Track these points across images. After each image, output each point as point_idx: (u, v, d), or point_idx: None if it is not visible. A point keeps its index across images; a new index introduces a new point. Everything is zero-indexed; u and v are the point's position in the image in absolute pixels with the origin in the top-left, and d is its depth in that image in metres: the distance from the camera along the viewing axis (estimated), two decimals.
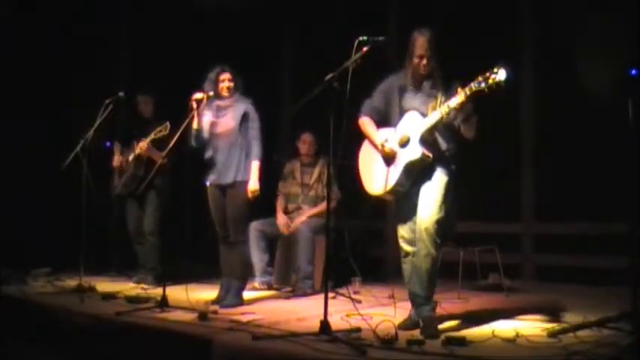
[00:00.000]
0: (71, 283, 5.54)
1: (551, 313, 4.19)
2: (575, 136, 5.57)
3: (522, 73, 6.09)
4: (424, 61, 3.77)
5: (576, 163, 5.57)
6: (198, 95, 4.62)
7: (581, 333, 3.51)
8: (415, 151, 3.71)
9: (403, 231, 3.92)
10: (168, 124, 5.48)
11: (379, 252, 6.78)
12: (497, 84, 3.40)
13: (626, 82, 3.72)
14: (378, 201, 4.05)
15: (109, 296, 5.02)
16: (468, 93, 3.49)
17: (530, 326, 3.84)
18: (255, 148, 4.68)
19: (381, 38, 3.69)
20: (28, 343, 4.56)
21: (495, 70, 3.42)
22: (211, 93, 4.68)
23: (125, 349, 3.99)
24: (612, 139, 4.52)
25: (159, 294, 4.52)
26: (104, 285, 5.63)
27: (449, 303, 4.50)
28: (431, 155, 3.71)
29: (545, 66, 5.93)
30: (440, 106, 3.65)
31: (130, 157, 5.85)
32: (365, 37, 3.67)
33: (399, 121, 3.86)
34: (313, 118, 4.64)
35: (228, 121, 4.68)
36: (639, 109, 3.67)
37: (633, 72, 3.69)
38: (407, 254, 3.92)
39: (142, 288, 5.56)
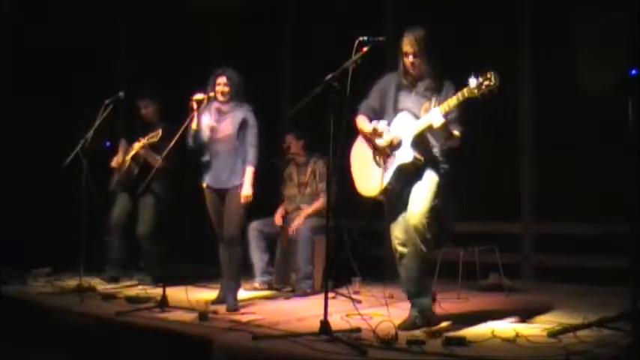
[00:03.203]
0: (71, 283, 5.54)
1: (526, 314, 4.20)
2: (575, 136, 5.57)
3: (522, 73, 6.08)
4: (410, 59, 3.81)
5: (576, 163, 5.57)
6: (198, 96, 4.62)
7: (581, 333, 3.51)
8: (407, 155, 3.76)
9: (397, 231, 3.95)
10: (160, 130, 5.47)
11: (379, 252, 6.77)
12: (490, 91, 3.43)
13: (626, 82, 3.72)
14: (371, 201, 4.05)
15: (109, 296, 5.03)
16: (461, 99, 3.53)
17: (530, 326, 3.84)
18: (251, 155, 4.65)
19: (381, 38, 3.70)
20: (28, 343, 4.56)
21: (489, 76, 3.43)
22: (212, 94, 4.68)
23: (125, 349, 3.99)
24: (612, 139, 4.52)
25: (159, 294, 4.52)
26: (104, 285, 5.63)
27: (449, 303, 4.51)
28: (422, 158, 3.77)
29: (545, 66, 5.93)
30: (433, 107, 3.67)
31: (128, 156, 5.85)
32: (365, 37, 3.68)
33: (392, 120, 3.89)
34: (314, 119, 4.64)
35: (227, 128, 4.67)
36: (639, 109, 3.68)
37: (633, 72, 3.70)
38: (402, 256, 3.94)
39: (142, 288, 5.56)
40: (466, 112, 3.74)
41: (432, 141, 3.83)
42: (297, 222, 5.57)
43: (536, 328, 3.74)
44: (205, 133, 4.68)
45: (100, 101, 5.37)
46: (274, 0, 7.76)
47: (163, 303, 4.43)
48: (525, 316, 4.19)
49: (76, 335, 4.30)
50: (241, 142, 4.68)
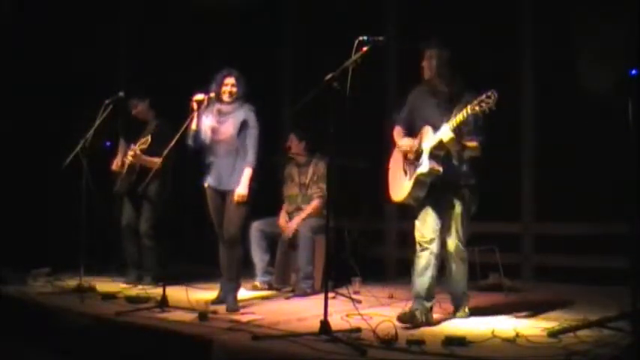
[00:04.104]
0: (71, 283, 5.53)
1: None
2: (575, 136, 5.57)
3: (522, 73, 6.08)
4: (424, 63, 4.12)
5: (576, 163, 5.57)
6: (199, 96, 4.60)
7: (581, 333, 3.51)
8: (424, 166, 3.99)
9: (424, 230, 4.11)
10: (149, 137, 5.48)
11: (379, 252, 6.78)
12: (490, 109, 3.67)
13: (626, 82, 3.72)
14: (402, 205, 4.32)
15: (109, 296, 5.02)
16: (465, 115, 3.77)
17: (530, 326, 3.84)
18: (250, 155, 4.62)
19: (381, 38, 3.71)
20: (28, 343, 4.56)
21: (489, 94, 3.66)
22: (212, 94, 4.65)
23: (125, 349, 3.99)
24: (612, 139, 4.52)
25: (159, 294, 4.52)
26: (104, 285, 5.63)
27: (449, 303, 4.50)
28: (440, 169, 3.98)
29: (545, 66, 5.93)
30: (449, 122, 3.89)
31: (126, 160, 5.84)
32: (365, 37, 3.69)
33: (419, 131, 4.13)
34: (314, 119, 4.65)
35: (228, 129, 4.64)
36: (639, 109, 3.68)
37: (633, 72, 3.70)
38: (424, 249, 4.09)
39: (142, 288, 5.55)
40: (485, 121, 3.94)
41: (455, 154, 4.05)
42: (295, 223, 5.58)
43: (536, 328, 3.75)
44: (206, 134, 4.66)
45: (100, 101, 5.37)
46: (274, 0, 7.76)
47: (163, 303, 4.43)
48: (525, 315, 4.20)
49: (76, 335, 4.29)
50: (242, 143, 4.66)
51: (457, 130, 3.86)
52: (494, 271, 5.34)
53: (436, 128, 3.97)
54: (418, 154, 4.06)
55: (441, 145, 3.93)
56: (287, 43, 7.82)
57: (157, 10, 7.81)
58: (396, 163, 4.31)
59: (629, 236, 3.78)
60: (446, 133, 3.86)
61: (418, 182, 4.04)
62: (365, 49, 3.67)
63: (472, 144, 4.00)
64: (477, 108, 3.68)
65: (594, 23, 5.45)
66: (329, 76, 3.62)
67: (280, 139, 6.19)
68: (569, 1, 5.79)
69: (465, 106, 3.76)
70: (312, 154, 5.85)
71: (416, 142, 4.11)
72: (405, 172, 4.17)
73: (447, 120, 3.89)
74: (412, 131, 4.24)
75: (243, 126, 4.65)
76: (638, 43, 4.70)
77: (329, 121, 3.62)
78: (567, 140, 5.66)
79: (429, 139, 4.00)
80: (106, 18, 7.77)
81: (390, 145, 4.34)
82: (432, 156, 3.97)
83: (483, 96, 3.67)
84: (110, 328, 4.12)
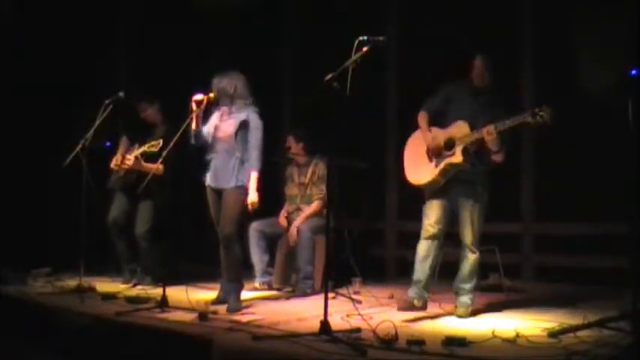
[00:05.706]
0: (71, 283, 5.53)
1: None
2: (575, 136, 5.56)
3: (522, 73, 6.08)
4: (474, 63, 4.36)
5: (576, 163, 5.57)
6: (198, 96, 4.59)
7: (581, 333, 3.52)
8: (456, 157, 4.21)
9: (428, 218, 4.37)
10: (161, 141, 5.45)
11: (379, 252, 6.78)
12: (545, 122, 3.91)
13: (626, 82, 3.72)
14: (416, 188, 4.48)
15: (109, 296, 5.02)
16: (516, 122, 3.99)
17: (530, 326, 3.84)
18: (254, 159, 4.61)
19: (381, 38, 3.71)
20: (28, 343, 4.56)
21: (545, 109, 3.90)
22: (212, 95, 4.65)
23: (125, 349, 3.99)
24: (612, 139, 4.52)
25: (159, 294, 4.52)
26: (104, 285, 5.63)
27: (449, 303, 4.50)
28: (468, 164, 4.22)
29: (545, 66, 5.93)
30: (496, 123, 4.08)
31: (127, 162, 5.80)
32: (365, 37, 3.69)
33: (451, 123, 4.32)
34: (313, 119, 4.65)
35: (228, 127, 4.64)
36: (639, 109, 3.68)
37: (633, 72, 3.70)
38: (429, 237, 4.33)
39: (142, 288, 5.55)
40: (515, 133, 4.19)
41: (482, 154, 4.22)
42: (297, 223, 5.58)
43: (536, 328, 3.75)
44: (210, 131, 4.67)
45: (100, 101, 5.37)
46: (274, 0, 7.76)
47: (163, 303, 4.43)
48: (525, 316, 4.20)
49: (76, 335, 4.29)
50: (240, 142, 4.65)
51: (500, 132, 4.04)
52: (494, 271, 5.35)
53: (471, 125, 4.18)
54: (450, 144, 4.22)
55: (478, 141, 4.13)
56: (287, 43, 7.81)
57: (157, 10, 7.80)
58: (416, 145, 4.47)
59: (629, 236, 3.78)
60: (490, 132, 4.04)
61: (444, 171, 4.25)
62: (365, 49, 3.67)
63: (504, 150, 4.22)
64: (529, 119, 3.90)
65: (594, 23, 5.45)
66: (329, 76, 3.62)
67: (280, 140, 6.19)
68: (569, 1, 5.79)
69: (522, 115, 3.95)
70: (312, 155, 5.85)
71: (445, 133, 4.30)
72: (430, 158, 4.35)
73: (487, 121, 4.08)
74: (437, 121, 4.40)
75: (243, 126, 4.64)
76: (638, 43, 4.70)
77: (329, 121, 3.62)
78: (567, 140, 5.65)
79: (465, 133, 4.19)
80: (106, 18, 7.77)
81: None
82: (465, 150, 4.19)
83: (537, 109, 3.90)
84: (110, 328, 4.12)
